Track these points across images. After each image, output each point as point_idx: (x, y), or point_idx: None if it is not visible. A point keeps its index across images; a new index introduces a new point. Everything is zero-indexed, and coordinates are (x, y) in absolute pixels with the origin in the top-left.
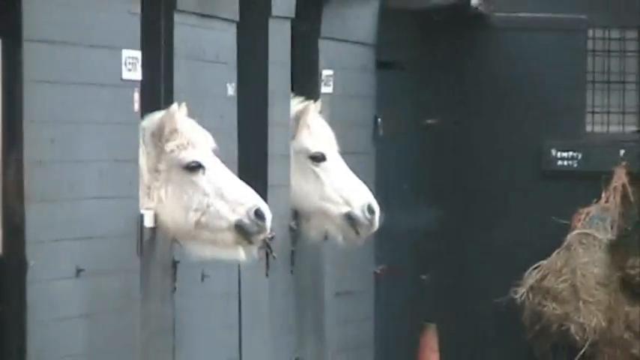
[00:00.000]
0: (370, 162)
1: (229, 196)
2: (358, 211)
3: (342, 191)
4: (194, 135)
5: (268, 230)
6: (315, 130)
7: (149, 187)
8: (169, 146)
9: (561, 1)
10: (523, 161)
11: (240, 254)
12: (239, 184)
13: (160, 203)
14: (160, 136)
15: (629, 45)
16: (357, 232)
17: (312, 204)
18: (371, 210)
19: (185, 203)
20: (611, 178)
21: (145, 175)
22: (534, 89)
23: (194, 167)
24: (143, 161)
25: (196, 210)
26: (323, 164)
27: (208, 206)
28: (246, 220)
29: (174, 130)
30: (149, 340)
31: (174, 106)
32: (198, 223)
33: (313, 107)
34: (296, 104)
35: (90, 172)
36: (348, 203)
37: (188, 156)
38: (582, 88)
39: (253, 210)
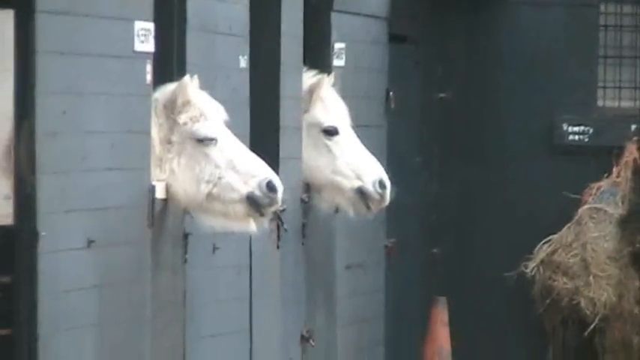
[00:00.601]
0: (382, 135)
1: (241, 168)
2: (369, 186)
3: (353, 165)
4: (206, 107)
5: (280, 202)
6: (329, 104)
7: (161, 159)
8: (182, 118)
9: None
10: (534, 135)
11: (251, 226)
12: (251, 156)
13: (172, 175)
14: (172, 108)
15: None
16: (368, 207)
17: (323, 177)
18: (382, 185)
19: (197, 175)
20: (623, 153)
21: (156, 146)
22: (546, 64)
23: (207, 139)
24: (155, 133)
25: (208, 182)
26: (335, 138)
27: (220, 178)
28: (257, 192)
29: (187, 102)
30: (160, 312)
31: (187, 77)
32: (209, 195)
33: (327, 81)
34: (309, 78)
35: (102, 143)
36: (359, 177)
37: (201, 128)
38: (594, 63)
39: (265, 182)
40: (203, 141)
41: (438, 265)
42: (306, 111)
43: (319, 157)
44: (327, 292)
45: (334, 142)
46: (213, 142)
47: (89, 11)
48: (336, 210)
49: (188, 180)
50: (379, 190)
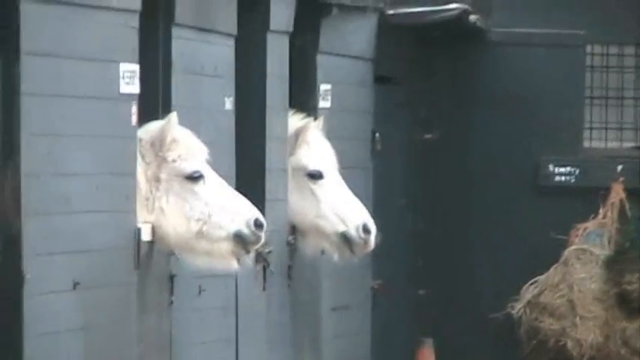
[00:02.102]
0: (368, 176)
1: (229, 206)
2: (353, 231)
3: (338, 210)
4: (192, 145)
5: (263, 240)
6: (315, 148)
7: (147, 199)
8: (170, 156)
9: (560, 16)
10: (520, 176)
11: (234, 264)
12: (237, 195)
13: (161, 213)
14: (160, 146)
15: (627, 61)
16: (352, 251)
17: (308, 221)
18: (366, 230)
19: (187, 213)
20: (609, 193)
21: (143, 186)
22: (532, 105)
23: (196, 177)
24: (141, 172)
25: (198, 219)
26: (320, 182)
27: (210, 216)
28: (245, 230)
29: (174, 140)
30: (146, 354)
31: (174, 114)
32: (198, 233)
33: (314, 124)
34: (296, 120)
35: (87, 185)
36: (343, 222)
37: (190, 165)
38: (580, 104)
39: (252, 220)
40: (192, 178)
41: (424, 307)
42: (292, 154)
43: (304, 200)
44: (313, 333)
45: (319, 186)
46: (202, 179)
47: (74, 53)
48: (322, 252)
49: (178, 218)
50: (363, 236)
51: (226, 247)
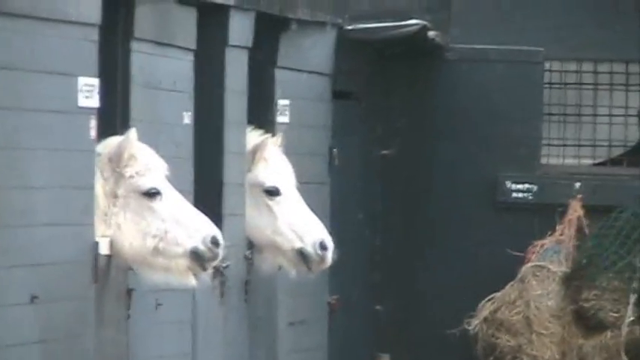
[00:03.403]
0: (325, 192)
1: (186, 222)
2: (310, 248)
3: (294, 226)
4: (151, 161)
5: (221, 257)
6: (272, 164)
7: (106, 214)
8: (128, 172)
9: (518, 33)
10: (478, 193)
11: (192, 280)
12: (195, 211)
13: (118, 229)
14: (118, 162)
15: (586, 78)
16: (309, 268)
17: (264, 237)
18: (323, 246)
19: (143, 229)
20: (567, 210)
21: (101, 201)
22: (490, 121)
23: (153, 193)
24: (100, 187)
25: (154, 236)
26: (277, 198)
27: (166, 232)
28: (201, 247)
29: (132, 156)
30: None
31: (133, 131)
32: (155, 249)
33: (272, 140)
34: (255, 137)
35: (44, 198)
36: (300, 238)
37: (147, 182)
38: (538, 120)
39: (209, 237)
40: (149, 195)
41: (381, 322)
42: (249, 171)
43: (260, 217)
44: (269, 348)
45: (276, 203)
46: (159, 196)
47: (33, 66)
48: (279, 267)
49: (134, 234)
50: (319, 252)
51: (183, 263)
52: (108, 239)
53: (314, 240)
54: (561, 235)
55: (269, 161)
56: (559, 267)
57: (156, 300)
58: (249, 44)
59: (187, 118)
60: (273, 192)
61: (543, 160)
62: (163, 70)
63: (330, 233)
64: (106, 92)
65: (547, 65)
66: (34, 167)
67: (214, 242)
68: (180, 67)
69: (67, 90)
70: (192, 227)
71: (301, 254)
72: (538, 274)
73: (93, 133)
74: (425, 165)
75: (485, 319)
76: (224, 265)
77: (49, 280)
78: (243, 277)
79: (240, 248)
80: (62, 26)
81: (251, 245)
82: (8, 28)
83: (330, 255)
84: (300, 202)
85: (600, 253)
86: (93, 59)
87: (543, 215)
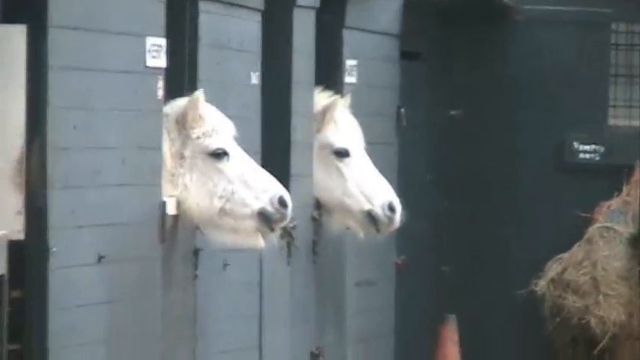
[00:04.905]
0: (393, 152)
1: (253, 183)
2: (379, 210)
3: (363, 188)
4: (218, 122)
5: (289, 218)
6: (342, 126)
7: (172, 174)
8: (195, 133)
9: None
10: (545, 154)
11: (260, 242)
12: (262, 172)
13: (185, 190)
14: (184, 123)
15: None
16: (378, 230)
17: (334, 199)
18: (392, 208)
19: (210, 190)
20: (633, 171)
21: (168, 161)
22: (557, 82)
23: (219, 154)
24: (167, 148)
25: (221, 197)
26: (347, 160)
27: (233, 193)
28: (269, 208)
29: (199, 117)
30: (170, 328)
31: (199, 92)
32: (222, 210)
33: (341, 102)
34: (324, 98)
35: (113, 159)
36: (369, 201)
37: (213, 143)
38: (605, 82)
39: (277, 197)
40: (215, 155)
41: (448, 283)
42: (319, 132)
43: (330, 178)
44: (337, 309)
45: (345, 164)
46: (226, 156)
47: (101, 27)
48: (347, 229)
49: (201, 195)
50: (388, 214)
51: (251, 224)
52: (175, 199)
53: (382, 202)
54: (628, 196)
55: (338, 123)
56: (626, 228)
57: (223, 260)
58: (317, 5)
59: (255, 78)
60: (342, 153)
61: (610, 122)
62: (231, 30)
63: (398, 194)
64: (173, 53)
65: (614, 26)
66: (102, 127)
67: (282, 203)
68: (248, 28)
69: (135, 50)
70: (259, 188)
71: (370, 216)
72: (605, 235)
73: (160, 93)
74: (492, 125)
75: (553, 280)
76: (292, 225)
77: (117, 241)
78: (310, 237)
79: (307, 209)
80: None
81: (319, 206)
82: None
83: (398, 217)
84: (368, 164)
85: None
86: (161, 19)
87: (610, 176)
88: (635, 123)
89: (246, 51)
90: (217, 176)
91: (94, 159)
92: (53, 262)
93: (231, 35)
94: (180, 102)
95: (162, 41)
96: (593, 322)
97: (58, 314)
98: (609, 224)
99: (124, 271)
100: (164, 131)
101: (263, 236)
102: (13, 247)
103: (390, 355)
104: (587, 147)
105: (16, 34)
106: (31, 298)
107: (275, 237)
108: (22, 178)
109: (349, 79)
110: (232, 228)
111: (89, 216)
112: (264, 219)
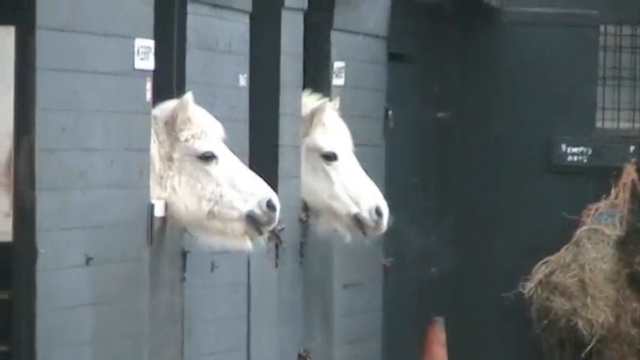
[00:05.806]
0: (380, 154)
1: (241, 186)
2: (366, 213)
3: (351, 192)
4: (207, 124)
5: (277, 221)
6: (330, 129)
7: (161, 177)
8: (183, 135)
9: None
10: (533, 156)
11: (248, 244)
12: (250, 174)
13: (173, 192)
14: (173, 125)
15: None
16: (364, 233)
17: (321, 201)
18: (379, 212)
19: (198, 192)
20: (621, 174)
21: (157, 164)
22: (545, 84)
23: (208, 157)
24: (155, 150)
25: (209, 199)
26: (334, 163)
27: (221, 196)
28: (257, 211)
29: (188, 119)
30: (158, 330)
31: (188, 94)
32: (210, 213)
33: (329, 105)
34: (312, 100)
35: (101, 160)
36: (356, 204)
37: (202, 146)
38: (593, 84)
39: (265, 201)
40: (204, 158)
41: (436, 285)
42: (307, 134)
43: (317, 181)
44: (324, 310)
45: (333, 168)
46: (214, 159)
47: (90, 28)
48: (334, 231)
49: (190, 197)
50: (375, 218)
51: (239, 227)
52: (163, 201)
53: (370, 206)
54: (616, 198)
55: (327, 126)
56: (613, 230)
57: (211, 262)
58: (305, 6)
59: (243, 80)
60: (330, 157)
61: (598, 124)
62: (219, 32)
63: (385, 195)
64: (162, 54)
65: (602, 29)
66: (90, 129)
67: (270, 206)
68: (236, 30)
69: (124, 52)
70: (247, 191)
71: (357, 220)
72: (593, 237)
73: (149, 95)
74: (479, 127)
75: (540, 282)
76: (279, 227)
77: (105, 242)
78: (298, 239)
79: (295, 210)
80: None
81: (306, 208)
82: None
83: (385, 221)
84: (357, 167)
85: None
86: (149, 21)
87: (598, 179)
88: (623, 125)
89: (234, 53)
90: (206, 179)
91: (82, 161)
92: (41, 264)
93: (220, 37)
94: (170, 104)
95: (151, 43)
96: (580, 324)
97: (45, 315)
98: (597, 226)
99: (112, 273)
100: (153, 133)
101: (251, 239)
102: (1, 248)
103: (378, 357)
104: (575, 149)
105: (4, 36)
106: (18, 300)
107: (263, 239)
108: (9, 180)
109: (337, 80)
110: (220, 230)
111: (77, 218)
112: (253, 222)
